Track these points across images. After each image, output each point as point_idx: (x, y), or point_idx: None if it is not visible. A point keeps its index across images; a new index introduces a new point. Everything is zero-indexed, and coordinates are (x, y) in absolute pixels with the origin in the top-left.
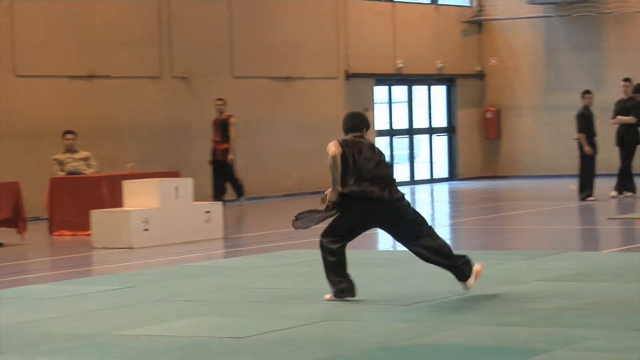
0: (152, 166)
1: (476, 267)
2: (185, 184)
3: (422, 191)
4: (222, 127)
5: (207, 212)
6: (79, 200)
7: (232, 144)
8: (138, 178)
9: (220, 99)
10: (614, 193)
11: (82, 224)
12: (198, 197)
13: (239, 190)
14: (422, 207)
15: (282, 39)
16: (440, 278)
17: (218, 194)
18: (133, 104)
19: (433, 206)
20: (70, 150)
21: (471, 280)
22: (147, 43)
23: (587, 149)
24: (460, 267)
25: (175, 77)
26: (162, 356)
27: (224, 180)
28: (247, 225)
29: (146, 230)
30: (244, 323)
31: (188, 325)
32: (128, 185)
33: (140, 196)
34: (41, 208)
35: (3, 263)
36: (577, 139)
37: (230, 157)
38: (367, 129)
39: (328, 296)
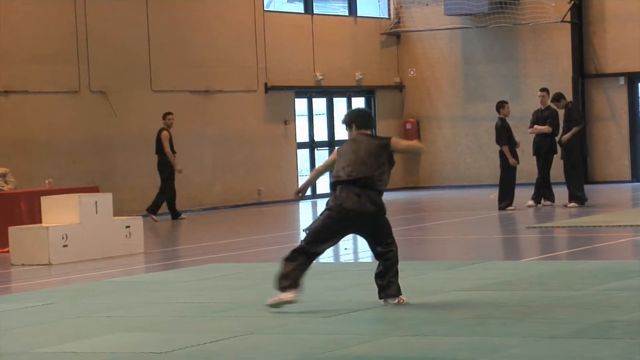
0: (71, 182)
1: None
2: (105, 199)
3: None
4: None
5: (127, 227)
6: None
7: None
8: (57, 194)
9: (171, 114)
10: (531, 202)
11: None
12: (118, 212)
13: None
14: None
15: (200, 52)
16: (362, 289)
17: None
18: (51, 119)
19: None
20: None
21: None
22: (65, 58)
23: (512, 160)
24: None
25: (93, 91)
26: None
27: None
28: (168, 240)
29: (65, 246)
30: (166, 338)
31: (109, 341)
32: (46, 201)
33: (59, 212)
34: None
35: None
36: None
37: (179, 168)
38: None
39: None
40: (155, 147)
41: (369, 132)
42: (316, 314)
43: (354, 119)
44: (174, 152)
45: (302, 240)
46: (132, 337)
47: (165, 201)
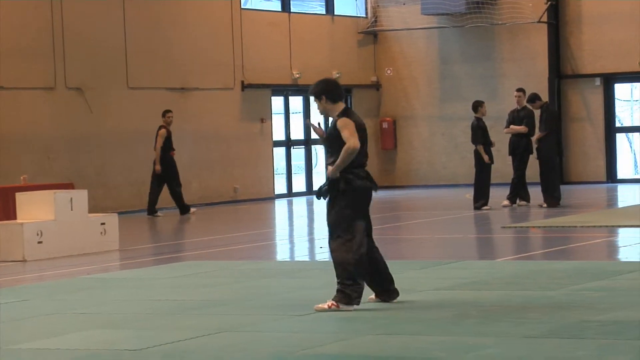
0: (46, 178)
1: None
2: (80, 196)
3: (320, 202)
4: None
5: (103, 224)
6: None
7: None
8: (32, 190)
9: (171, 112)
10: (506, 202)
11: None
12: (93, 209)
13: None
14: (322, 217)
15: (177, 49)
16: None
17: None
18: (26, 116)
19: None
20: None
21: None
22: (41, 54)
23: (487, 158)
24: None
25: (69, 88)
26: None
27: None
28: (144, 237)
29: (40, 242)
30: (140, 335)
31: (83, 338)
32: (21, 198)
33: (34, 208)
34: None
35: None
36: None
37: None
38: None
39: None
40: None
41: (343, 105)
42: (290, 312)
43: (323, 91)
44: (172, 149)
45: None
46: (107, 334)
47: (158, 195)
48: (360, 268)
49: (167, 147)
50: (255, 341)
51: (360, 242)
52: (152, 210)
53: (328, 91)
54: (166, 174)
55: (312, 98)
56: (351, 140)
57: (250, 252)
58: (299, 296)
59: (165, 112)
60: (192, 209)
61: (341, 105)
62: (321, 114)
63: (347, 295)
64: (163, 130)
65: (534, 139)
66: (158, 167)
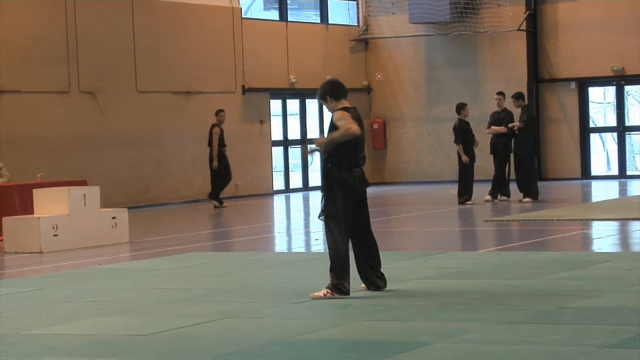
0: (61, 175)
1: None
2: (93, 192)
3: (315, 197)
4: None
5: (114, 218)
6: None
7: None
8: (47, 187)
9: (223, 111)
10: (488, 197)
11: None
12: (104, 204)
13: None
14: (318, 212)
15: (182, 56)
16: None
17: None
18: (42, 117)
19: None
20: None
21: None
22: (56, 60)
23: (465, 158)
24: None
25: (82, 92)
26: (70, 354)
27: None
28: (151, 230)
29: (55, 235)
30: (149, 321)
31: (95, 324)
32: (38, 194)
33: (50, 204)
34: None
35: None
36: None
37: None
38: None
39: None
40: (207, 141)
41: (347, 103)
42: (287, 300)
43: (327, 91)
44: (224, 145)
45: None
46: (117, 320)
47: (222, 185)
48: (337, 264)
49: (220, 144)
50: (256, 327)
51: (341, 240)
52: (217, 199)
53: (331, 90)
54: (218, 168)
55: (319, 101)
56: (352, 127)
57: (251, 244)
58: (296, 285)
59: (218, 112)
60: (224, 203)
61: (344, 103)
62: (331, 112)
63: (335, 285)
64: (217, 129)
65: (511, 125)
66: (215, 164)
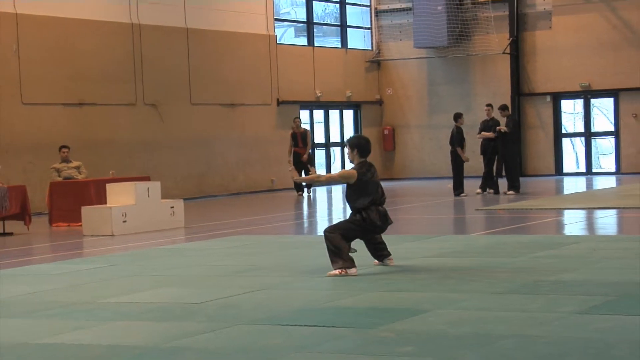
0: (129, 172)
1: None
2: (155, 186)
3: (337, 191)
4: (302, 138)
5: (172, 207)
6: (72, 199)
7: (309, 148)
8: (118, 182)
9: (298, 118)
10: (479, 190)
11: (75, 217)
12: (164, 196)
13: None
14: (340, 203)
15: (227, 74)
16: (353, 256)
17: (299, 187)
18: (114, 125)
19: (345, 202)
20: (65, 160)
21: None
22: (124, 78)
23: (465, 157)
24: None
25: (146, 104)
26: (136, 317)
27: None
28: (203, 218)
29: (124, 221)
30: (200, 292)
31: (157, 294)
32: (110, 187)
33: (120, 195)
34: (43, 205)
35: (13, 248)
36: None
37: (305, 157)
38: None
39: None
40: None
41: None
42: (313, 275)
43: (357, 145)
44: (297, 146)
45: None
46: (175, 291)
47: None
48: (337, 255)
49: (295, 144)
50: (288, 296)
51: (337, 240)
52: (300, 189)
53: (361, 147)
54: (297, 164)
55: (347, 146)
56: (336, 179)
57: (285, 229)
58: (320, 263)
59: (295, 118)
60: (306, 192)
61: (362, 160)
62: (350, 161)
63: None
64: (290, 132)
65: (499, 128)
66: (305, 157)
